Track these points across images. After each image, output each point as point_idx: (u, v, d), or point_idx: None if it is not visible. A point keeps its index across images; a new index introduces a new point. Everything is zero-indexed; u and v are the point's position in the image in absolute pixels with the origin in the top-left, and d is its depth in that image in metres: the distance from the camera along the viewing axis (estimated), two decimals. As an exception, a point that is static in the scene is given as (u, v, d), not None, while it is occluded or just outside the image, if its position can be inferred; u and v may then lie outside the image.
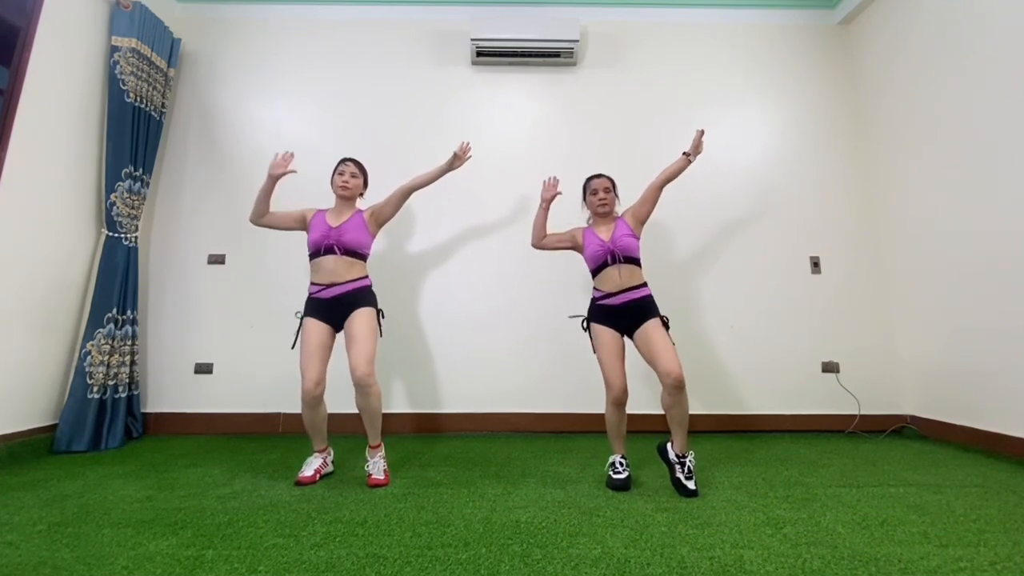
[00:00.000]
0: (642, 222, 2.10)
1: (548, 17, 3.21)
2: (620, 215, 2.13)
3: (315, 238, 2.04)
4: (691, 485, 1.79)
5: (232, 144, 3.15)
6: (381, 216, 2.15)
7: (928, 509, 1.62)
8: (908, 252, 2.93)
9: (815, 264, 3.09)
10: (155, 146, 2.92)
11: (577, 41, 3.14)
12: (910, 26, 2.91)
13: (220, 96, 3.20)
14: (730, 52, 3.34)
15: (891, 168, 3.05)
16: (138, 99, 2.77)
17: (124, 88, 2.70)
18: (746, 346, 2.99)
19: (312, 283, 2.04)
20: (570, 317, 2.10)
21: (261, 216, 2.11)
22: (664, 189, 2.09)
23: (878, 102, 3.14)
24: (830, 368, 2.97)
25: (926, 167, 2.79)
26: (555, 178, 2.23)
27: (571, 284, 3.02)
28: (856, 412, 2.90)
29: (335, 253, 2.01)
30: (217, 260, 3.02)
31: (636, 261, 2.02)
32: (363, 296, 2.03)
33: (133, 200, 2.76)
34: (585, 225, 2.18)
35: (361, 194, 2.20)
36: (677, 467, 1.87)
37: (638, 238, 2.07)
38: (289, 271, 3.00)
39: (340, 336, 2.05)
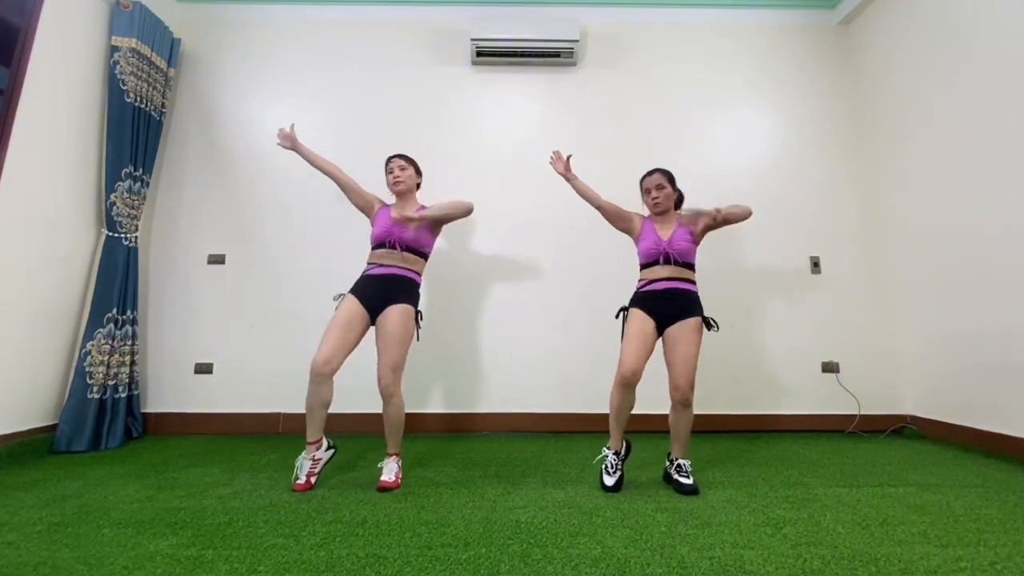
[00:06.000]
0: (705, 232, 2.02)
1: (548, 17, 3.21)
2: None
3: (377, 234, 2.07)
4: (684, 479, 1.80)
5: (232, 144, 3.15)
6: (440, 218, 2.11)
7: (928, 509, 1.62)
8: (908, 252, 2.93)
9: (815, 264, 3.09)
10: (155, 146, 2.92)
11: (577, 41, 3.14)
12: (910, 26, 2.91)
13: (220, 96, 3.20)
14: (730, 52, 3.34)
15: (891, 168, 3.05)
16: (138, 99, 2.77)
17: (124, 88, 2.70)
18: (746, 346, 2.99)
19: (368, 263, 2.07)
20: (616, 316, 2.08)
21: (326, 173, 2.16)
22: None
23: (878, 102, 3.14)
24: (830, 368, 2.97)
25: (926, 166, 2.79)
26: (556, 152, 2.23)
27: (575, 284, 3.03)
28: (856, 412, 2.90)
29: (396, 250, 2.03)
30: (217, 260, 3.01)
31: (689, 266, 1.97)
32: (408, 288, 2.01)
33: (133, 200, 2.76)
34: (647, 214, 2.12)
35: (418, 185, 2.20)
36: (670, 465, 1.89)
37: (697, 244, 2.00)
38: (289, 271, 3.01)
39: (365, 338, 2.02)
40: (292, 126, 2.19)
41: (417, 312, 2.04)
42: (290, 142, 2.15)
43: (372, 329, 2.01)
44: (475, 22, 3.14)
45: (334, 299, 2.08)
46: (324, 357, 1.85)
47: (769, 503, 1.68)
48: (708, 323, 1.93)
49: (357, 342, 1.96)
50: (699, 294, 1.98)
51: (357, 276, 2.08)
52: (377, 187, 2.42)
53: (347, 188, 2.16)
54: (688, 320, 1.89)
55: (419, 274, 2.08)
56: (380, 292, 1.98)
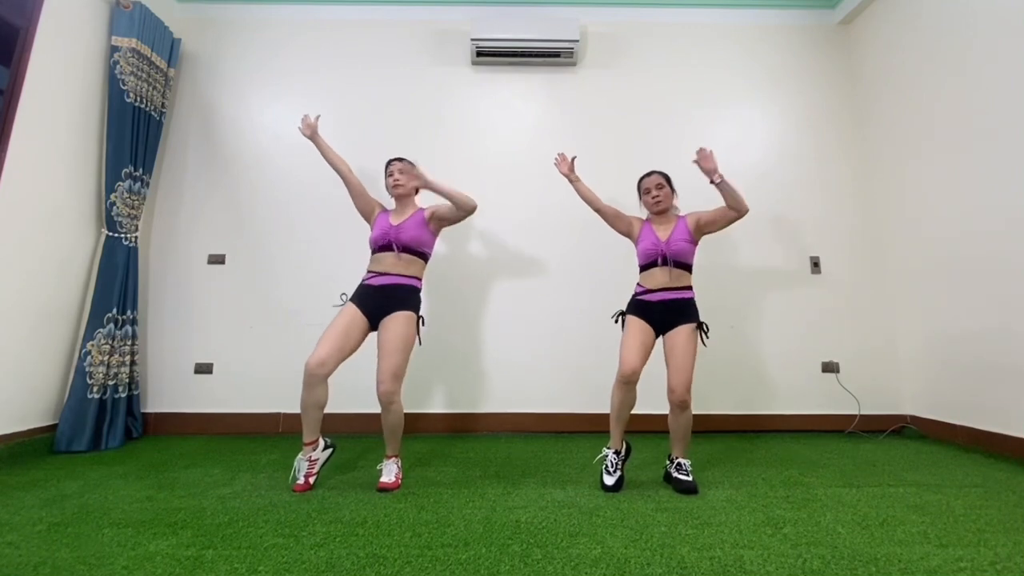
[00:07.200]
0: (703, 232, 2.03)
1: (548, 17, 3.21)
2: (684, 215, 2.06)
3: (375, 236, 2.06)
4: (684, 477, 1.81)
5: (232, 144, 3.15)
6: (440, 216, 2.08)
7: (928, 509, 1.62)
8: (908, 252, 2.93)
9: (815, 264, 3.09)
10: (155, 146, 2.92)
11: (577, 41, 3.14)
12: (910, 26, 2.91)
13: (220, 96, 3.20)
14: (730, 52, 3.34)
15: (891, 168, 3.05)
16: (138, 99, 2.77)
17: (124, 88, 2.70)
18: (746, 346, 2.99)
19: (367, 270, 2.06)
20: (615, 320, 2.09)
21: (337, 171, 2.17)
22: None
23: (878, 102, 3.14)
24: (830, 368, 2.97)
25: (926, 166, 2.79)
26: (561, 153, 2.27)
27: (575, 284, 3.03)
28: (856, 412, 2.90)
29: (393, 251, 2.01)
30: (217, 260, 3.01)
31: (687, 267, 1.98)
32: (408, 297, 1.99)
33: (133, 200, 2.76)
34: (646, 216, 2.14)
35: (417, 189, 2.19)
36: (670, 465, 1.89)
37: (695, 244, 2.01)
38: (289, 271, 3.01)
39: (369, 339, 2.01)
40: (317, 117, 2.21)
41: (419, 318, 2.02)
42: (310, 131, 2.17)
43: (373, 334, 2.00)
44: (475, 22, 3.14)
45: (334, 307, 2.07)
46: (318, 359, 1.84)
47: (769, 503, 1.68)
48: (702, 330, 1.94)
49: (355, 348, 1.95)
50: (695, 298, 1.99)
51: (357, 276, 2.08)
52: (377, 187, 2.42)
53: (353, 190, 2.16)
54: (684, 326, 1.91)
55: (419, 279, 2.07)
56: (380, 303, 1.97)
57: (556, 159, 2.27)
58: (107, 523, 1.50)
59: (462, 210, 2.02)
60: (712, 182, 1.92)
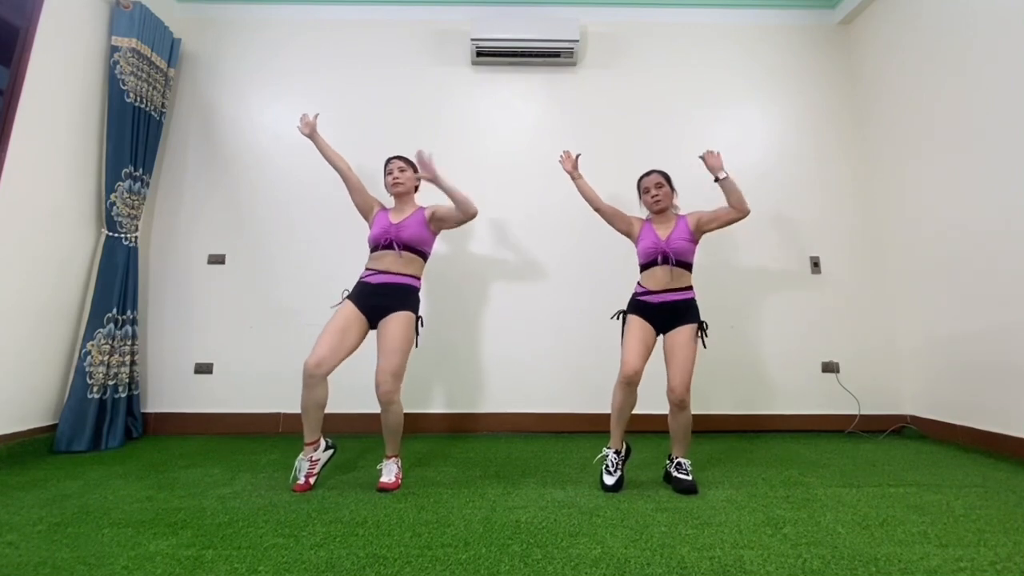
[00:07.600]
0: (704, 231, 2.04)
1: (548, 17, 3.21)
2: (684, 215, 2.06)
3: (375, 234, 2.05)
4: (683, 476, 1.81)
5: (232, 144, 3.15)
6: (440, 217, 2.07)
7: (928, 509, 1.62)
8: (908, 252, 2.93)
9: (815, 264, 3.08)
10: (155, 146, 2.92)
11: (577, 41, 3.14)
12: (910, 26, 2.91)
13: (220, 96, 3.20)
14: (730, 52, 3.34)
15: (891, 168, 3.05)
16: (138, 99, 2.77)
17: (124, 88, 2.70)
18: (746, 346, 2.99)
19: (366, 268, 2.05)
20: (615, 318, 2.09)
21: (337, 168, 2.17)
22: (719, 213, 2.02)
23: (878, 102, 3.14)
24: (830, 368, 2.97)
25: (926, 166, 2.79)
26: (566, 151, 2.28)
27: (575, 284, 3.03)
28: (856, 412, 2.90)
29: (394, 249, 2.01)
30: (217, 260, 3.01)
31: (687, 266, 1.98)
32: (407, 296, 1.99)
33: (133, 200, 2.76)
34: (646, 217, 2.15)
35: (416, 187, 2.19)
36: (670, 464, 1.89)
37: (695, 243, 2.02)
38: (289, 271, 3.01)
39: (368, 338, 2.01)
40: (316, 116, 2.22)
41: (418, 318, 2.02)
42: (309, 129, 2.18)
43: (372, 333, 2.00)
44: (475, 22, 3.14)
45: (332, 308, 2.07)
46: (316, 359, 1.83)
47: (769, 503, 1.68)
48: (702, 330, 1.94)
49: (354, 347, 1.95)
50: (696, 298, 1.99)
51: (356, 276, 2.08)
52: (377, 187, 2.42)
53: (352, 187, 2.16)
54: (684, 326, 1.91)
55: (418, 278, 2.06)
56: (378, 301, 1.96)
57: (561, 156, 2.27)
58: (107, 523, 1.50)
59: (464, 214, 2.02)
60: (716, 179, 1.97)
